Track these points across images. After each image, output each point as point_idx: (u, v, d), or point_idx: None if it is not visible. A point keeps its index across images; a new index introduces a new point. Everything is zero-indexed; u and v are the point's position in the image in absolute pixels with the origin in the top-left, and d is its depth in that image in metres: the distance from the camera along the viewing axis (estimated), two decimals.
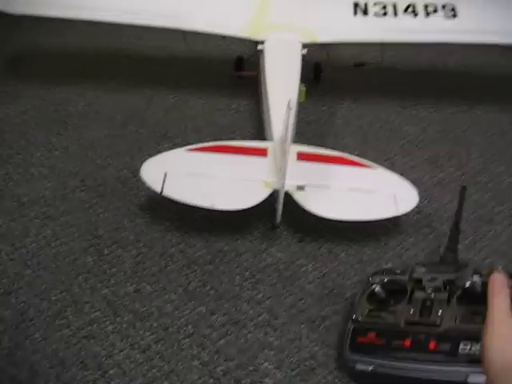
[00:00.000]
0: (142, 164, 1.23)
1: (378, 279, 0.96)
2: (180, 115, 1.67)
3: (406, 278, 0.94)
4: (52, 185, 1.39)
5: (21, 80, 1.79)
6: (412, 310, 0.85)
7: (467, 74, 1.94)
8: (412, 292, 0.90)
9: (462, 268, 0.91)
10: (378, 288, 0.91)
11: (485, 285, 0.75)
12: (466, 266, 0.91)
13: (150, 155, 1.25)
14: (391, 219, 1.22)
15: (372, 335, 0.85)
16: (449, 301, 0.85)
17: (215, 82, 1.81)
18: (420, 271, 0.94)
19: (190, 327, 1.06)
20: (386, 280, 0.95)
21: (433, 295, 0.87)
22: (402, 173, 1.29)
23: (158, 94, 1.75)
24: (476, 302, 0.80)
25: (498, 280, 0.65)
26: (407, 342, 0.82)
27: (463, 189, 1.14)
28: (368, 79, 1.85)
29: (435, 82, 1.88)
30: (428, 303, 0.86)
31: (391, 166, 1.35)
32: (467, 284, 0.85)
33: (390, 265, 1.06)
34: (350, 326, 0.90)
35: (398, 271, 0.96)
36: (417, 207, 1.22)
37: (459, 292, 0.86)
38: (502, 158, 1.56)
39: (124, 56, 1.95)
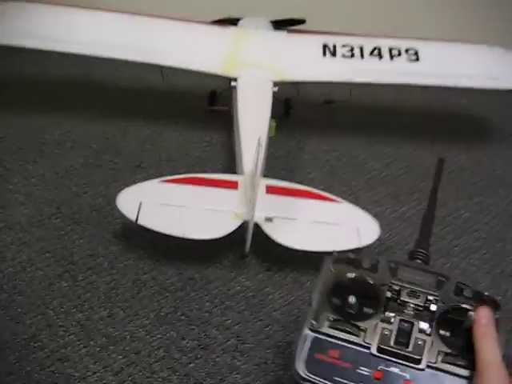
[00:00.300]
0: (117, 193, 1.27)
1: (342, 273, 0.74)
2: (154, 147, 1.73)
3: (378, 280, 0.73)
4: (28, 211, 1.43)
5: None
6: (387, 332, 0.68)
7: (431, 112, 2.04)
8: (387, 304, 0.71)
9: (443, 283, 0.74)
10: (352, 299, 0.68)
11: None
12: (447, 280, 0.74)
13: (126, 185, 1.30)
14: (354, 250, 1.28)
15: (335, 354, 0.67)
16: (430, 327, 0.68)
17: (189, 115, 1.87)
18: (398, 277, 0.74)
19: (161, 351, 1.11)
20: (353, 277, 0.74)
21: (413, 316, 0.70)
22: (366, 206, 1.36)
23: (133, 126, 1.81)
24: (460, 334, 0.68)
25: (484, 318, 0.61)
26: (378, 374, 0.65)
27: (441, 161, 0.97)
28: (336, 116, 1.94)
29: (400, 120, 1.97)
30: (406, 327, 0.68)
31: (355, 200, 1.42)
32: (449, 306, 0.71)
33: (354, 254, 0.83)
34: (308, 336, 0.68)
35: (366, 266, 0.75)
36: (378, 240, 1.29)
37: (440, 315, 0.70)
38: (460, 193, 1.65)
39: (99, 87, 2.00)
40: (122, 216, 1.26)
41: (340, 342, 0.67)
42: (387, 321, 0.69)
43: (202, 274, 1.29)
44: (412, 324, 0.68)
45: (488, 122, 2.03)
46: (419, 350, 0.66)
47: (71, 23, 1.62)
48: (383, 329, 0.68)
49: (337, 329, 0.68)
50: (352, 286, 0.72)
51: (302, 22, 1.96)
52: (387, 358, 0.66)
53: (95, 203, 1.47)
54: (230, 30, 1.75)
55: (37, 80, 2.00)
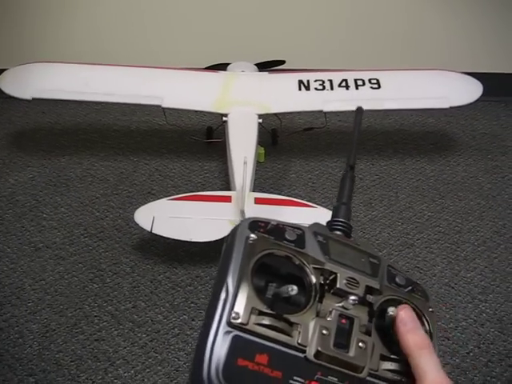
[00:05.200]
0: (133, 215, 1.56)
1: (263, 244, 0.50)
2: (162, 176, 2.03)
3: (308, 259, 0.51)
4: (61, 233, 1.73)
5: (26, 152, 2.14)
6: (325, 331, 0.50)
7: (401, 132, 2.34)
8: (321, 293, 0.52)
9: (377, 266, 0.55)
10: (293, 289, 0.48)
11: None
12: (379, 262, 0.55)
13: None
14: None
15: (262, 359, 0.48)
16: (370, 325, 0.53)
17: (190, 148, 2.18)
18: (331, 257, 0.52)
19: (176, 330, 1.40)
20: (278, 253, 0.51)
21: (352, 311, 0.52)
22: None
23: (142, 160, 2.11)
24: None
25: (410, 322, 0.50)
26: None
27: (359, 109, 0.68)
28: (316, 140, 2.24)
29: (373, 140, 2.27)
30: (346, 325, 0.52)
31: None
32: (386, 297, 0.54)
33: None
34: (226, 334, 0.46)
35: (291, 238, 0.51)
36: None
37: (378, 309, 0.54)
38: (424, 198, 1.94)
39: (111, 130, 2.32)
40: (139, 232, 1.56)
41: (269, 344, 0.48)
42: (324, 316, 0.51)
43: (206, 272, 1.57)
44: (352, 321, 0.52)
45: (451, 136, 2.32)
46: (361, 355, 0.51)
47: (87, 77, 1.94)
48: (321, 327, 0.50)
49: (264, 325, 0.48)
50: (278, 266, 0.52)
51: (282, 62, 2.28)
52: (325, 364, 0.50)
53: (116, 224, 1.77)
54: (220, 74, 2.07)
55: (57, 127, 2.32)
